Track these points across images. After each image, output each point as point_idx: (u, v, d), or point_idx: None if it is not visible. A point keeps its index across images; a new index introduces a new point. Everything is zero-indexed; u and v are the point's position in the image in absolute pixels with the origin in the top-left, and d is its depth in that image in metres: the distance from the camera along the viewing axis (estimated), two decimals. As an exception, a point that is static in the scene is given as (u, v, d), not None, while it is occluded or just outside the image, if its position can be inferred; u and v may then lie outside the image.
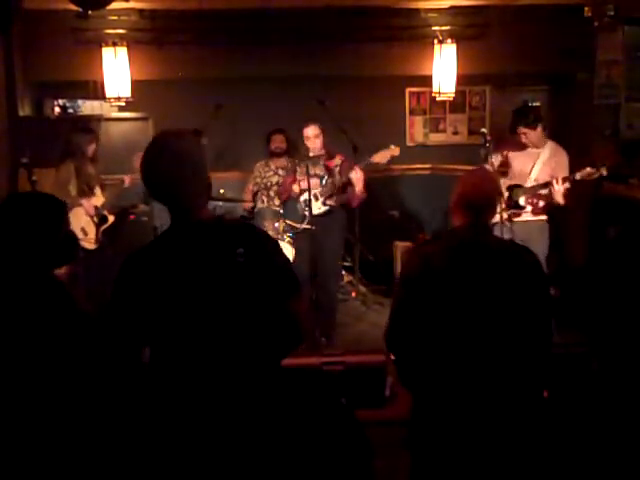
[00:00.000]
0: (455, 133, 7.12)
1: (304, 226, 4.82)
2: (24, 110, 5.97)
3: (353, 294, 6.22)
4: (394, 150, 4.73)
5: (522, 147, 4.69)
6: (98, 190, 5.09)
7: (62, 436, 2.09)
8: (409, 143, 7.00)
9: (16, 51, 5.53)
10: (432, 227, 6.65)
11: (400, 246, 6.25)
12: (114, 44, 5.86)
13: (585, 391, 3.14)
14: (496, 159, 4.91)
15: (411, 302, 2.39)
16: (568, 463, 2.93)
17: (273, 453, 2.05)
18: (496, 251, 2.43)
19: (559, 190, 4.42)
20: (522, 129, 4.62)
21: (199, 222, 2.05)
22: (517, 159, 4.75)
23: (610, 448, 2.88)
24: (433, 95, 6.43)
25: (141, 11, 6.03)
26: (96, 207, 5.01)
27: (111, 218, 5.13)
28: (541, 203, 4.68)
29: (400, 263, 6.27)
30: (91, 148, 5.08)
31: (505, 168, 4.93)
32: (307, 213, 4.76)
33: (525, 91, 7.35)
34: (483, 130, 4.95)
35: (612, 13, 5.28)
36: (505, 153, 4.81)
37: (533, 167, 4.66)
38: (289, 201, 5.01)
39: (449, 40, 6.15)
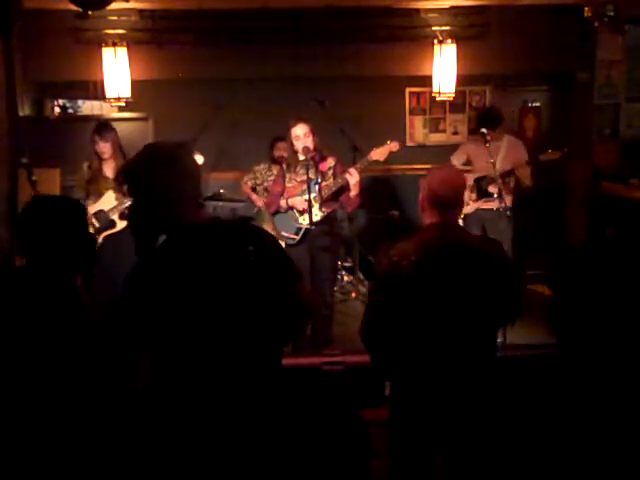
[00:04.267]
0: (455, 133, 7.11)
1: (299, 237, 4.50)
2: (24, 110, 5.95)
3: (353, 294, 6.22)
4: (392, 146, 4.43)
5: (483, 143, 5.00)
6: (110, 193, 4.80)
7: (61, 435, 2.10)
8: (409, 143, 6.98)
9: (16, 51, 5.51)
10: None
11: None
12: (114, 44, 5.85)
13: (584, 390, 3.14)
14: (458, 159, 5.42)
15: (384, 300, 2.48)
16: (568, 461, 2.92)
17: (275, 451, 2.05)
18: (464, 248, 2.51)
19: (526, 173, 5.14)
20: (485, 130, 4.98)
21: (197, 224, 2.06)
22: (481, 155, 5.05)
23: (610, 446, 2.87)
24: (433, 95, 6.42)
25: (141, 11, 6.02)
26: (102, 211, 4.78)
27: (123, 223, 4.66)
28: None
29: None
30: (104, 149, 4.84)
31: (469, 166, 5.41)
32: (303, 222, 4.43)
33: (525, 91, 7.35)
34: (483, 130, 4.96)
35: (612, 13, 5.28)
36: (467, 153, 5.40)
37: (497, 159, 5.09)
38: (280, 211, 4.62)
39: (449, 40, 6.14)
